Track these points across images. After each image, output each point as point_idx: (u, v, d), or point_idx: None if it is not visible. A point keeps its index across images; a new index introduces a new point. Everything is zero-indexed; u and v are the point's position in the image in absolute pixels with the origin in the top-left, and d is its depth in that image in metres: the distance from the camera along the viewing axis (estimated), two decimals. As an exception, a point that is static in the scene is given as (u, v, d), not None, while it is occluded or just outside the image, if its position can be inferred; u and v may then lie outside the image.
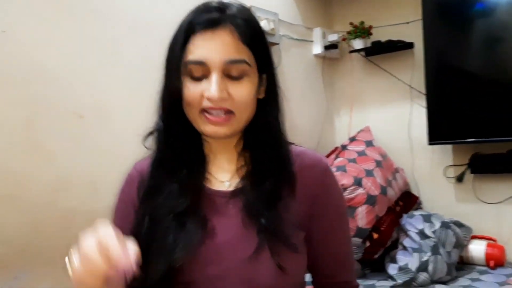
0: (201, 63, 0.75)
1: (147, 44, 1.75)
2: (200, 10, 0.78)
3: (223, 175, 0.86)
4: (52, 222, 1.46)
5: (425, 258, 1.94)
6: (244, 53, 0.76)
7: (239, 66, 0.76)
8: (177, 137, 0.83)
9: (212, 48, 0.75)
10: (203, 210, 0.81)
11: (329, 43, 2.62)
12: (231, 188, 0.84)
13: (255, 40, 0.79)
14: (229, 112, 0.77)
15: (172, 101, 0.79)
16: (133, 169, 0.92)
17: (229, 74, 0.76)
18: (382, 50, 2.49)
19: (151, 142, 0.87)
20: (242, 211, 0.81)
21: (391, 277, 1.98)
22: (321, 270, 0.90)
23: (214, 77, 0.75)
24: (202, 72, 0.76)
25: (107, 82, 1.66)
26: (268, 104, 0.83)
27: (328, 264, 0.89)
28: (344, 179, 2.08)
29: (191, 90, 0.77)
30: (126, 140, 1.65)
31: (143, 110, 1.67)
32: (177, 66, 0.77)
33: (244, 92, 0.77)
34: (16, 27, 1.43)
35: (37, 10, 1.48)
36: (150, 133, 0.86)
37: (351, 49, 2.58)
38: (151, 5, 1.82)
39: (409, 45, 2.41)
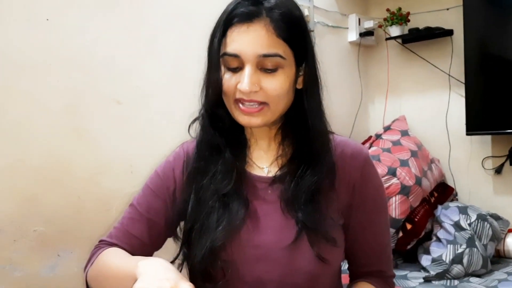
0: (235, 56, 0.77)
1: (185, 32, 1.78)
2: (239, 1, 0.78)
3: (263, 162, 0.88)
4: (92, 204, 1.53)
5: (460, 250, 1.90)
6: (278, 47, 0.77)
7: (273, 59, 0.77)
8: (220, 122, 0.85)
9: (246, 42, 0.76)
10: (245, 193, 0.84)
11: (365, 30, 2.57)
12: (270, 175, 0.87)
13: (293, 33, 0.79)
14: (263, 103, 0.79)
15: (213, 90, 0.81)
16: (181, 148, 0.94)
17: (263, 67, 0.78)
18: (420, 37, 2.43)
19: (195, 130, 0.89)
20: (281, 199, 0.83)
21: (424, 268, 1.96)
22: (357, 259, 0.92)
23: (247, 71, 0.77)
24: (237, 64, 0.78)
25: (145, 69, 1.70)
26: (307, 94, 0.83)
27: (364, 253, 0.90)
28: (378, 169, 2.05)
29: (227, 80, 0.79)
30: (162, 126, 1.70)
31: (179, 97, 1.72)
32: (216, 57, 0.79)
33: (277, 85, 0.78)
34: (59, 15, 1.48)
35: (79, -1, 1.53)
36: (195, 120, 0.88)
37: (388, 36, 2.52)
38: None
39: (448, 32, 2.34)
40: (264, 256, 0.80)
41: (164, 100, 1.74)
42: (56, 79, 1.47)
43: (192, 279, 0.83)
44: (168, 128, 1.66)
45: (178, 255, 0.86)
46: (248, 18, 0.76)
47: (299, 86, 0.84)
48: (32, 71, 1.42)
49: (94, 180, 1.54)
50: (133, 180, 1.61)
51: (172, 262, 0.83)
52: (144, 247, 0.86)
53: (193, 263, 0.80)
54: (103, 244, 0.87)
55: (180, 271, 0.78)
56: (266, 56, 0.76)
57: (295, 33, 0.79)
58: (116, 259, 0.80)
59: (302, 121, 0.84)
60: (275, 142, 0.89)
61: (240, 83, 0.77)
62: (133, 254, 0.83)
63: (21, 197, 1.39)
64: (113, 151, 1.60)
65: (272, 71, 0.78)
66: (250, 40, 0.76)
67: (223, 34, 0.78)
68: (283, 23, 0.77)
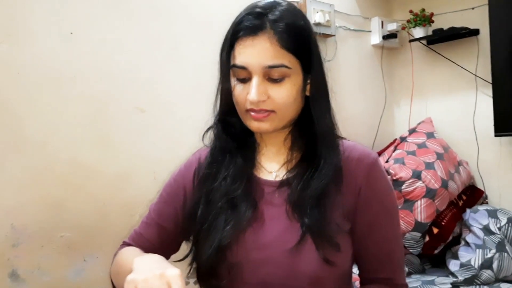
0: (243, 68, 0.80)
1: (205, 41, 1.81)
2: (246, 14, 0.82)
3: (272, 166, 0.90)
4: (116, 210, 1.57)
5: (489, 255, 1.85)
6: (283, 58, 0.80)
7: (278, 70, 0.80)
8: (232, 129, 0.89)
9: (252, 54, 0.79)
10: (253, 196, 0.86)
11: (388, 33, 2.54)
12: (278, 179, 0.88)
13: (297, 43, 0.81)
14: (270, 110, 0.82)
15: (224, 99, 0.86)
16: (193, 156, 0.98)
17: (270, 77, 0.81)
18: (445, 38, 2.38)
19: (209, 138, 0.93)
20: (287, 202, 0.84)
21: (452, 274, 1.92)
22: (364, 264, 0.90)
23: (254, 82, 0.80)
24: (245, 75, 0.81)
25: (166, 78, 1.74)
26: (315, 101, 0.86)
27: (371, 259, 0.89)
28: (402, 172, 2.03)
29: (238, 91, 0.83)
30: (184, 133, 1.73)
31: (200, 104, 1.74)
32: (226, 69, 0.83)
33: (284, 94, 0.81)
34: (82, 29, 1.53)
35: (101, 12, 1.58)
36: (208, 129, 0.92)
37: (411, 38, 2.49)
38: (209, 2, 1.87)
39: (474, 32, 2.29)
40: (268, 259, 0.81)
41: (186, 107, 1.77)
42: (81, 89, 1.52)
43: (198, 276, 0.86)
44: (190, 135, 1.67)
45: (188, 254, 0.89)
46: (252, 31, 0.80)
47: (308, 93, 0.86)
48: (58, 82, 1.48)
49: (118, 187, 1.58)
50: (156, 187, 1.63)
51: (181, 260, 0.87)
52: (155, 250, 0.89)
53: (200, 260, 0.83)
54: (124, 245, 0.95)
55: (190, 271, 0.81)
56: (271, 67, 0.79)
57: (300, 43, 0.82)
58: (126, 257, 0.84)
59: (309, 127, 0.86)
60: (285, 147, 0.90)
61: (248, 93, 0.80)
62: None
63: (48, 204, 1.44)
64: (136, 158, 1.63)
65: (278, 80, 0.81)
66: (256, 52, 0.79)
67: (231, 47, 0.82)
68: (287, 34, 0.80)
